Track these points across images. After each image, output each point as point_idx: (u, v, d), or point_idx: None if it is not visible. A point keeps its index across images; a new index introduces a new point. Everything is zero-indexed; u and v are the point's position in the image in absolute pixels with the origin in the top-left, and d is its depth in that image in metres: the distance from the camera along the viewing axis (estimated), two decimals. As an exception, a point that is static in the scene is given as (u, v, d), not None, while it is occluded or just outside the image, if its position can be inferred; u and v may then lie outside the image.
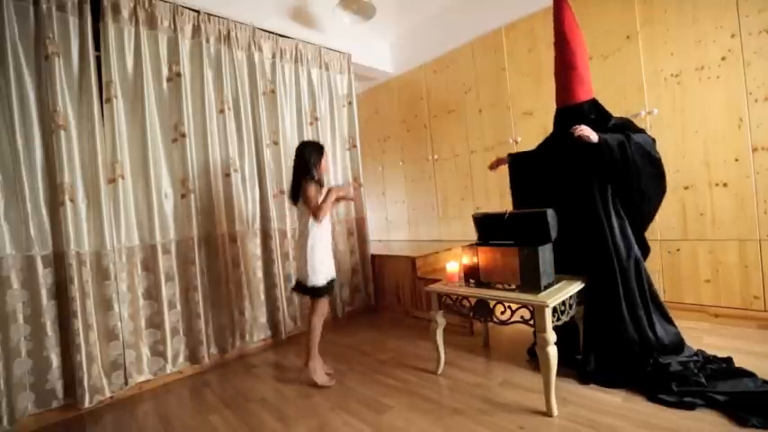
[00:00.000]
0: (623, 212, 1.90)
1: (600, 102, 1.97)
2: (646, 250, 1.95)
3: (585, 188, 1.90)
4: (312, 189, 2.07)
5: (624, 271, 1.82)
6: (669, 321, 1.86)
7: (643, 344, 1.76)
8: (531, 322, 1.65)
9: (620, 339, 1.77)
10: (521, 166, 2.25)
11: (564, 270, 1.95)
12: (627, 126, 1.91)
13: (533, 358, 2.08)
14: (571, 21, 1.94)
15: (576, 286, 1.80)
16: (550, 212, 1.81)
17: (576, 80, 1.91)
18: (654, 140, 1.89)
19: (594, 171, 1.87)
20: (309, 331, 2.13)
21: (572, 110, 1.94)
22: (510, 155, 2.29)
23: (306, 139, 3.16)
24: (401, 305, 3.27)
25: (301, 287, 2.13)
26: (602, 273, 1.84)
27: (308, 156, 2.17)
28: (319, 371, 2.11)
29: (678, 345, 1.80)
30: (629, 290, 1.81)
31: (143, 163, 2.32)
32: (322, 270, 2.10)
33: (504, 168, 2.35)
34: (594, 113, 1.93)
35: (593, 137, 1.76)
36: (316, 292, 2.10)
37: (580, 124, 1.81)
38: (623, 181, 1.84)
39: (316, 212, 2.05)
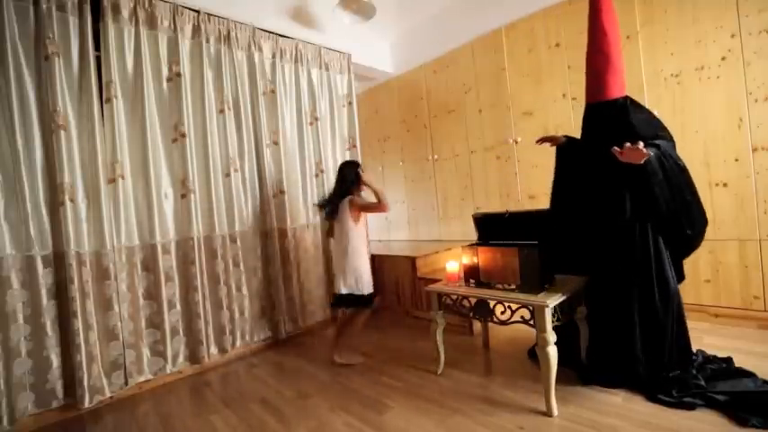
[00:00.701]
0: (660, 232, 1.72)
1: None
2: (680, 277, 1.80)
3: (623, 197, 1.74)
4: (361, 201, 2.37)
5: (648, 288, 1.69)
6: (686, 342, 1.73)
7: (648, 363, 1.70)
8: (532, 322, 1.65)
9: (627, 357, 1.72)
10: (568, 157, 2.02)
11: (568, 271, 1.92)
12: (664, 136, 1.74)
13: (533, 360, 2.08)
14: (609, 10, 1.75)
15: (576, 286, 1.80)
16: (550, 212, 1.80)
17: (613, 75, 1.74)
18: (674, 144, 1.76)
19: (638, 187, 1.68)
20: (352, 333, 2.37)
21: (607, 106, 1.76)
22: (566, 137, 2.04)
23: (305, 138, 3.16)
24: (401, 305, 3.27)
25: (350, 299, 2.27)
26: (621, 285, 1.73)
27: (349, 175, 2.37)
28: (348, 355, 2.35)
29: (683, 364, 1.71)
30: (652, 311, 1.68)
31: (143, 163, 2.32)
32: (369, 280, 2.33)
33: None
34: (635, 112, 1.75)
35: (645, 157, 1.52)
36: (367, 301, 2.30)
37: (621, 126, 1.68)
38: (668, 200, 1.66)
39: (382, 207, 2.30)
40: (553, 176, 2.09)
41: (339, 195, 2.35)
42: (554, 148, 2.06)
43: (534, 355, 2.11)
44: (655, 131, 1.75)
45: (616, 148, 1.55)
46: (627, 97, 1.77)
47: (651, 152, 1.56)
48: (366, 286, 2.29)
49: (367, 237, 2.46)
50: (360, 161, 3.58)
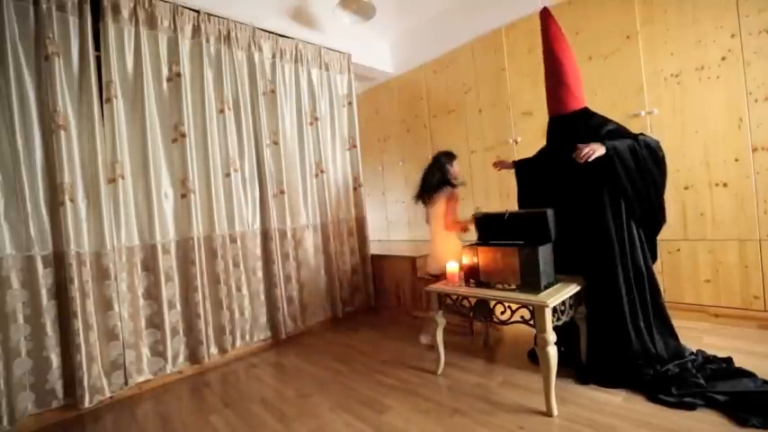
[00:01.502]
0: (635, 219, 1.84)
1: (599, 103, 1.97)
2: (653, 257, 1.91)
3: (594, 195, 1.86)
4: (450, 203, 2.42)
5: (629, 280, 1.80)
6: (672, 335, 1.83)
7: (644, 354, 1.74)
8: (532, 322, 1.65)
9: (623, 348, 1.76)
10: (525, 173, 2.26)
11: (568, 271, 1.93)
12: (622, 133, 1.87)
13: (533, 361, 2.08)
14: (557, 35, 1.97)
15: (577, 286, 1.80)
16: (550, 212, 1.81)
17: (566, 93, 1.93)
18: (658, 141, 1.86)
19: (608, 182, 1.82)
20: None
21: (564, 119, 1.95)
22: (514, 162, 2.30)
23: (305, 138, 3.17)
24: (401, 305, 3.27)
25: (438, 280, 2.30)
26: (606, 279, 1.81)
27: (444, 165, 2.46)
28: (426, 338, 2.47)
29: (677, 356, 1.77)
30: (632, 300, 1.79)
31: (143, 163, 2.32)
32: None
33: (507, 168, 2.34)
34: (586, 122, 1.92)
35: (600, 151, 1.72)
36: None
37: (572, 135, 1.85)
38: (639, 189, 1.80)
39: (449, 227, 2.41)
40: (517, 195, 2.29)
41: (436, 185, 2.44)
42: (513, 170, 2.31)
43: (534, 356, 2.12)
44: (618, 130, 1.91)
45: (576, 153, 1.75)
46: (584, 109, 1.94)
47: (601, 146, 1.74)
48: None
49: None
50: (359, 160, 3.59)
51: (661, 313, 1.84)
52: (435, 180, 2.46)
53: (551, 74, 1.98)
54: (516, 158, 2.36)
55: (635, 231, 1.84)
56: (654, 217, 1.86)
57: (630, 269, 1.81)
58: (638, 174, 1.79)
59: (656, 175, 1.81)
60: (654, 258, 1.91)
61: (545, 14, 2.02)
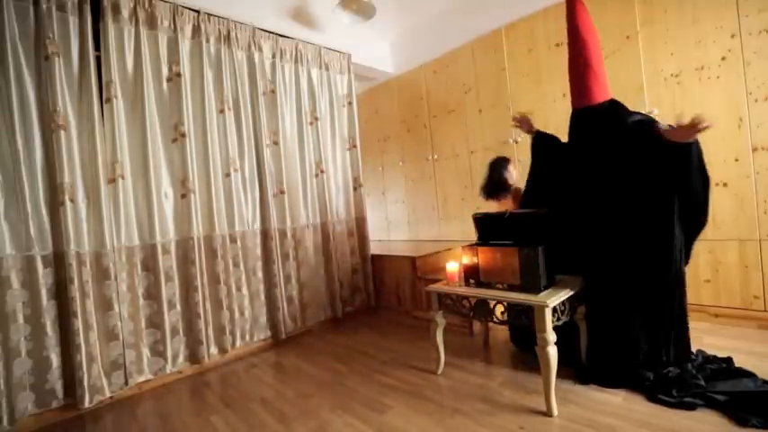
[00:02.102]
0: (681, 220, 1.72)
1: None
2: (687, 259, 1.80)
3: (649, 194, 1.71)
4: (516, 201, 2.41)
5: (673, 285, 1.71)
6: (687, 343, 1.76)
7: (654, 360, 1.72)
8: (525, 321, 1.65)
9: (629, 350, 1.74)
10: (545, 150, 2.13)
11: (573, 271, 1.92)
12: (651, 124, 1.74)
13: (517, 347, 2.19)
14: (585, 17, 1.84)
15: (577, 286, 1.80)
16: (550, 212, 1.80)
17: (593, 79, 1.80)
18: None
19: (675, 179, 1.66)
20: None
21: (590, 111, 1.82)
22: (537, 131, 2.16)
23: (305, 138, 3.16)
24: (401, 305, 3.27)
25: None
26: (655, 283, 1.71)
27: (500, 172, 2.49)
28: None
29: (682, 360, 1.75)
30: (670, 307, 1.71)
31: (143, 163, 2.32)
32: None
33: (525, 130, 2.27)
34: (613, 113, 1.80)
35: (693, 134, 1.54)
36: None
37: (604, 129, 1.75)
38: (698, 186, 1.67)
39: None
40: (530, 168, 2.21)
41: (502, 188, 2.49)
42: (530, 137, 2.21)
43: (517, 341, 2.21)
44: (649, 120, 1.79)
45: (670, 124, 1.58)
46: (612, 100, 1.82)
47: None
48: None
49: None
50: (359, 160, 3.59)
51: (684, 319, 1.75)
52: (502, 181, 2.50)
53: (576, 59, 1.82)
54: (518, 158, 2.36)
55: (677, 229, 1.71)
56: (699, 217, 1.72)
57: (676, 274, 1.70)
58: (699, 169, 1.64)
59: (705, 170, 1.68)
60: (687, 261, 1.79)
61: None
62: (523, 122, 2.19)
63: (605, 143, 1.78)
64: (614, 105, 1.82)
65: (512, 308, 1.76)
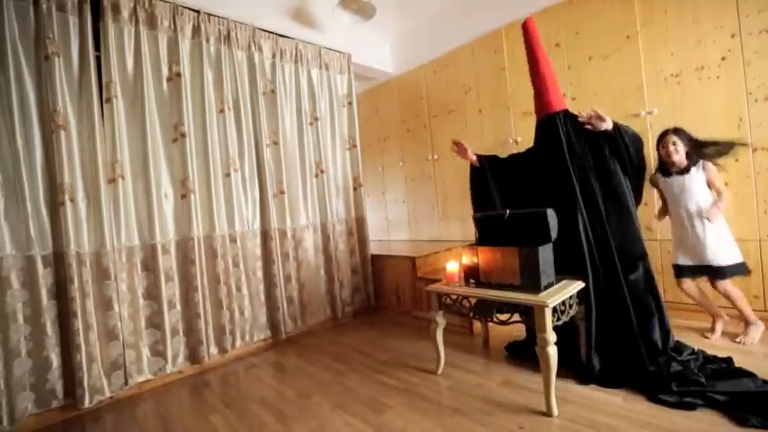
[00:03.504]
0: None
1: (599, 103, 2.05)
2: (639, 201, 2.05)
3: (605, 169, 1.94)
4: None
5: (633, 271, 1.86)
6: (664, 323, 1.86)
7: (647, 345, 1.77)
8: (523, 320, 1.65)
9: (627, 340, 1.78)
10: (500, 171, 2.26)
11: (566, 270, 1.94)
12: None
13: (511, 355, 2.17)
14: (537, 36, 2.08)
15: (577, 286, 1.80)
16: (550, 212, 1.81)
17: (557, 93, 2.06)
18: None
19: (616, 154, 1.91)
20: (735, 299, 2.01)
21: (553, 119, 2.02)
22: (477, 156, 2.27)
23: (305, 138, 3.16)
24: (401, 305, 3.27)
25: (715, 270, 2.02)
26: (609, 273, 1.86)
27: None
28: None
29: (674, 345, 1.82)
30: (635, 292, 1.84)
31: (143, 163, 2.32)
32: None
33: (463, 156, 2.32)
34: (570, 120, 2.01)
35: (608, 120, 1.85)
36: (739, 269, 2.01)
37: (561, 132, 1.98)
38: (633, 156, 1.91)
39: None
40: (472, 195, 2.32)
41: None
42: (469, 163, 2.31)
43: (512, 350, 2.20)
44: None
45: (582, 112, 1.90)
46: (565, 110, 2.05)
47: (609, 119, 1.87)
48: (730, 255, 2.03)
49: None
50: (359, 160, 3.59)
51: (659, 302, 1.87)
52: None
53: (541, 80, 2.05)
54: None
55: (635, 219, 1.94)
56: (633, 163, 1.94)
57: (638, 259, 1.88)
58: (631, 142, 1.90)
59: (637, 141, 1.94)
60: (639, 201, 2.03)
61: (530, 24, 2.09)
62: (461, 150, 2.28)
63: (569, 140, 1.99)
64: (568, 114, 2.04)
65: (511, 309, 1.77)
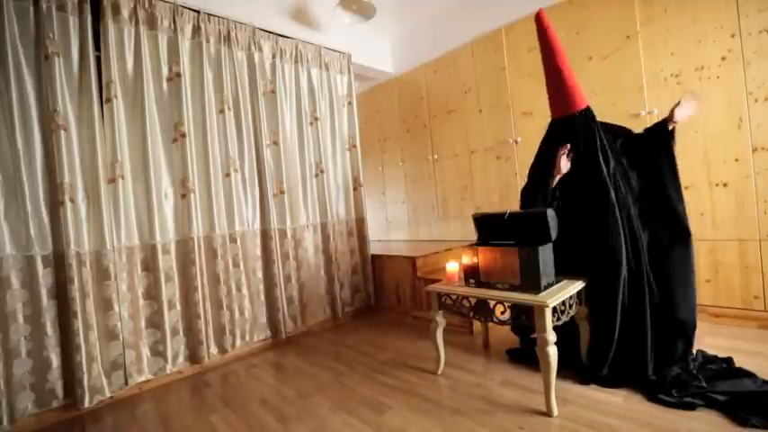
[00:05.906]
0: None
1: (599, 103, 1.99)
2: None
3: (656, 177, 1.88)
4: None
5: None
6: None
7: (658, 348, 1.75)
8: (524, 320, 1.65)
9: (636, 344, 1.75)
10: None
11: (568, 271, 1.92)
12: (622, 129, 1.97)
13: (513, 359, 2.14)
14: (554, 33, 1.98)
15: (577, 286, 1.80)
16: (550, 212, 1.80)
17: (572, 86, 1.94)
18: None
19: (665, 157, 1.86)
20: None
21: (572, 120, 1.94)
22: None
23: (305, 138, 3.16)
24: (401, 305, 3.27)
25: None
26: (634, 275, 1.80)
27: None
28: None
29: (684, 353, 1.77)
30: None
31: (143, 163, 2.32)
32: None
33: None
34: (592, 120, 1.92)
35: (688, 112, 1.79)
36: None
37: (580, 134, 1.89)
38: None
39: None
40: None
41: None
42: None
43: (513, 355, 2.17)
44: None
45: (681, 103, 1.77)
46: (588, 107, 1.95)
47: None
48: None
49: None
50: (359, 160, 3.59)
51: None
52: None
53: (557, 74, 1.94)
54: (518, 158, 2.34)
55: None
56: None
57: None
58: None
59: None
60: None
61: (542, 17, 1.98)
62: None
63: (597, 142, 1.89)
64: (591, 112, 1.95)
65: (512, 309, 1.77)
